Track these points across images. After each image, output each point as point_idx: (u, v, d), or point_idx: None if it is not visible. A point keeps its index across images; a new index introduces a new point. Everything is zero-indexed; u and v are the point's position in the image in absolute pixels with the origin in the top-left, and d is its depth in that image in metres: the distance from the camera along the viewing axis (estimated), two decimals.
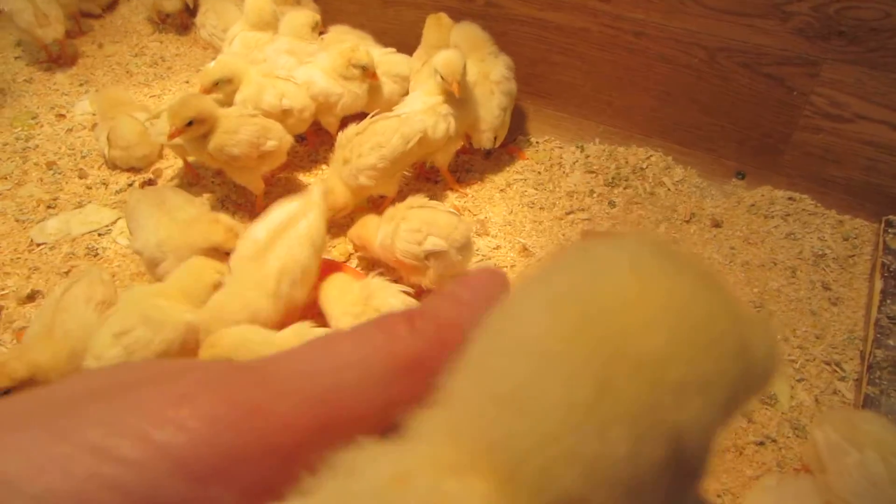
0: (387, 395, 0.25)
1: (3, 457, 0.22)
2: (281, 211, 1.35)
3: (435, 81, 1.60)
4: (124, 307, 1.20)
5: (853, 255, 1.62)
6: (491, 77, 1.75)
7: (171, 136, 1.52)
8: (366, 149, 1.57)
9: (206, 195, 1.78)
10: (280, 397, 0.23)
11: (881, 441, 0.98)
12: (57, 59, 2.30)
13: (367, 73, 1.76)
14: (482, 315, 0.24)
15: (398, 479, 0.21)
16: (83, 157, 1.93)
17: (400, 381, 0.25)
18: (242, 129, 1.54)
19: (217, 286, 1.26)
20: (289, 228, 1.32)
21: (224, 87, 1.66)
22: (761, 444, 1.30)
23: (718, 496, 1.23)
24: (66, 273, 1.60)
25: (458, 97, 1.59)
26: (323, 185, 1.48)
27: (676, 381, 0.21)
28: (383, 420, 0.25)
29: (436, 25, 1.84)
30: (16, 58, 2.35)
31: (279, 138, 1.60)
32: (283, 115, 1.68)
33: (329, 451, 0.22)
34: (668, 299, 0.22)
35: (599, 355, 0.21)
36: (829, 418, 1.10)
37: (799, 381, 1.39)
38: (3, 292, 1.56)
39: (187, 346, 1.19)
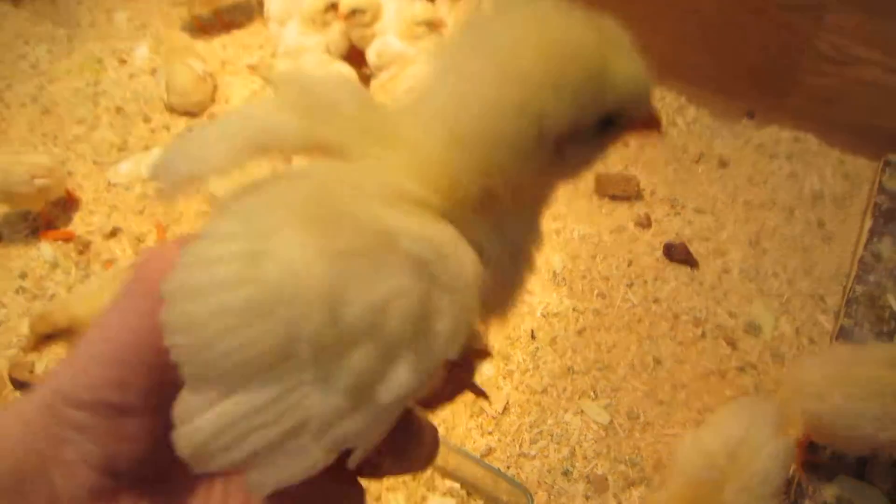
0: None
1: None
2: None
3: None
4: None
5: (850, 194, 1.74)
6: None
7: None
8: (400, 92, 1.73)
9: None
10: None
11: None
12: None
13: (433, 24, 1.88)
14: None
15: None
16: (146, 102, 2.14)
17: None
18: None
19: None
20: None
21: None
22: (742, 369, 1.48)
23: (699, 413, 1.43)
24: (141, 212, 1.84)
25: None
26: None
27: (537, 83, 0.35)
28: None
29: None
30: (78, 3, 2.52)
31: None
32: None
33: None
34: (548, 35, 0.36)
35: (501, 73, 0.35)
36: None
37: (783, 313, 1.56)
38: (89, 229, 1.81)
39: None
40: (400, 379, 0.33)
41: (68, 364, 0.39)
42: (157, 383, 0.37)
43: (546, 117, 0.34)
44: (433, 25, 1.85)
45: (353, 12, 1.87)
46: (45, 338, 1.34)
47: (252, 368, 0.33)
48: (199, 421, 0.34)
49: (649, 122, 0.41)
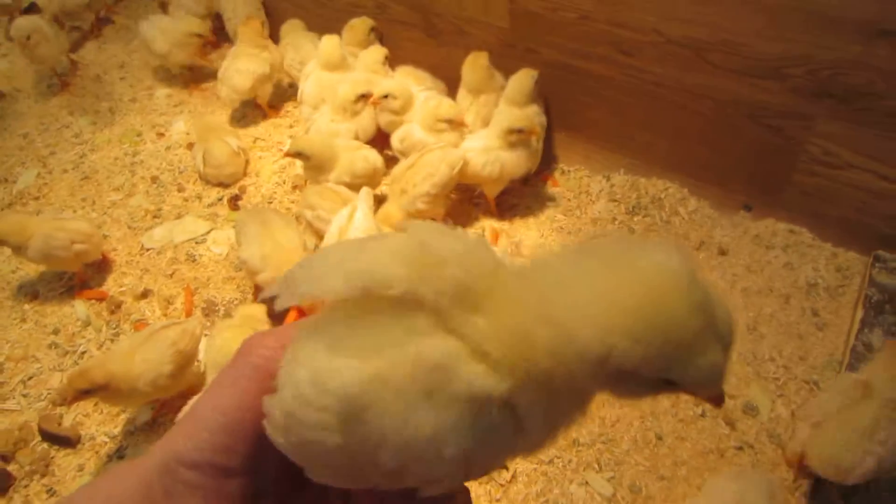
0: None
1: None
2: (343, 212, 1.70)
3: (499, 130, 1.90)
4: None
5: (843, 286, 1.84)
6: None
7: None
8: (419, 179, 1.87)
9: (287, 210, 2.11)
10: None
11: None
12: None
13: (454, 123, 2.02)
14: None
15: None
16: (181, 173, 2.28)
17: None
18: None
19: None
20: (349, 223, 1.67)
21: (303, 159, 1.94)
22: (740, 448, 1.55)
23: (699, 490, 1.49)
24: (171, 275, 1.95)
25: (517, 144, 1.90)
26: (371, 192, 1.79)
27: (621, 328, 0.37)
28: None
29: (473, 65, 2.09)
30: (121, 79, 2.71)
31: None
32: (373, 174, 1.99)
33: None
34: (655, 298, 0.38)
35: (594, 297, 0.39)
36: None
37: (779, 396, 1.63)
38: (121, 290, 1.92)
39: None
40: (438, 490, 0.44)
41: (182, 430, 0.47)
42: (255, 449, 0.45)
43: (611, 357, 0.38)
44: (454, 124, 2.01)
45: (385, 96, 2.03)
46: (82, 392, 1.42)
47: (333, 463, 0.44)
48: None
49: (713, 399, 0.44)
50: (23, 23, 2.45)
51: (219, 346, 1.52)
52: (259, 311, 1.63)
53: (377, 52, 2.25)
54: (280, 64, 2.44)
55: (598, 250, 0.42)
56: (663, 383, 0.41)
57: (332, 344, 0.43)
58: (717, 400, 0.44)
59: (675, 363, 0.38)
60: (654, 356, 0.38)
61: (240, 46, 2.36)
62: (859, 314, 1.73)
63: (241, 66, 2.33)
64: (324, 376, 0.42)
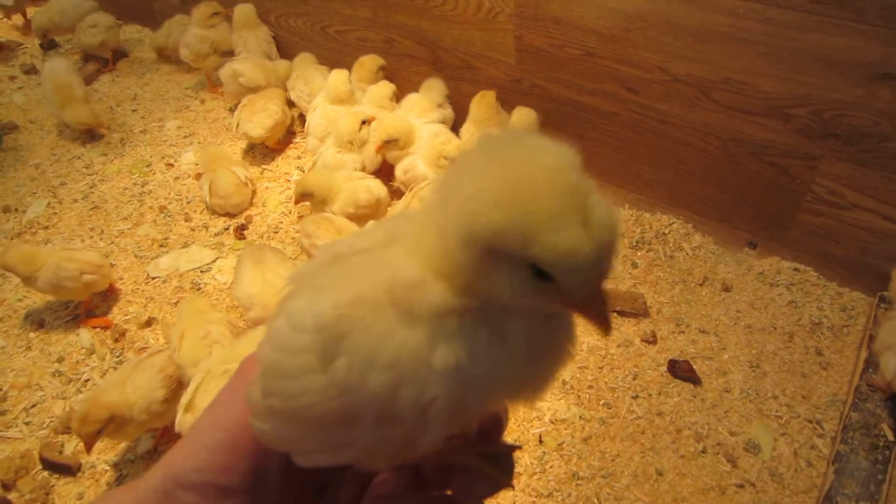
0: None
1: None
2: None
3: None
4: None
5: (848, 325, 1.83)
6: None
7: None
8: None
9: (292, 240, 2.12)
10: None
11: None
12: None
13: None
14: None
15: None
16: (188, 203, 2.31)
17: None
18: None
19: None
20: None
21: (309, 198, 1.99)
22: (741, 486, 1.53)
23: None
24: (176, 304, 1.96)
25: None
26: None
27: (485, 196, 0.37)
28: None
29: (480, 102, 2.13)
30: (132, 111, 2.76)
31: None
32: (377, 204, 2.02)
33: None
34: (515, 162, 0.38)
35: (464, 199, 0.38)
36: None
37: (782, 434, 1.62)
38: (126, 318, 1.93)
39: None
40: (431, 440, 0.43)
41: (180, 450, 0.46)
42: (254, 467, 0.45)
43: (476, 227, 0.37)
44: None
45: (387, 142, 2.07)
46: (95, 435, 1.43)
47: (320, 422, 0.43)
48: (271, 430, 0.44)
49: (595, 314, 0.39)
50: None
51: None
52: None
53: (385, 87, 2.29)
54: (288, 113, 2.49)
55: (452, 167, 0.42)
56: (534, 273, 0.37)
57: (308, 291, 0.44)
58: (599, 318, 0.39)
59: (532, 236, 0.36)
60: (511, 224, 0.36)
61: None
62: (864, 354, 1.71)
63: (257, 119, 2.36)
64: (299, 316, 0.43)
